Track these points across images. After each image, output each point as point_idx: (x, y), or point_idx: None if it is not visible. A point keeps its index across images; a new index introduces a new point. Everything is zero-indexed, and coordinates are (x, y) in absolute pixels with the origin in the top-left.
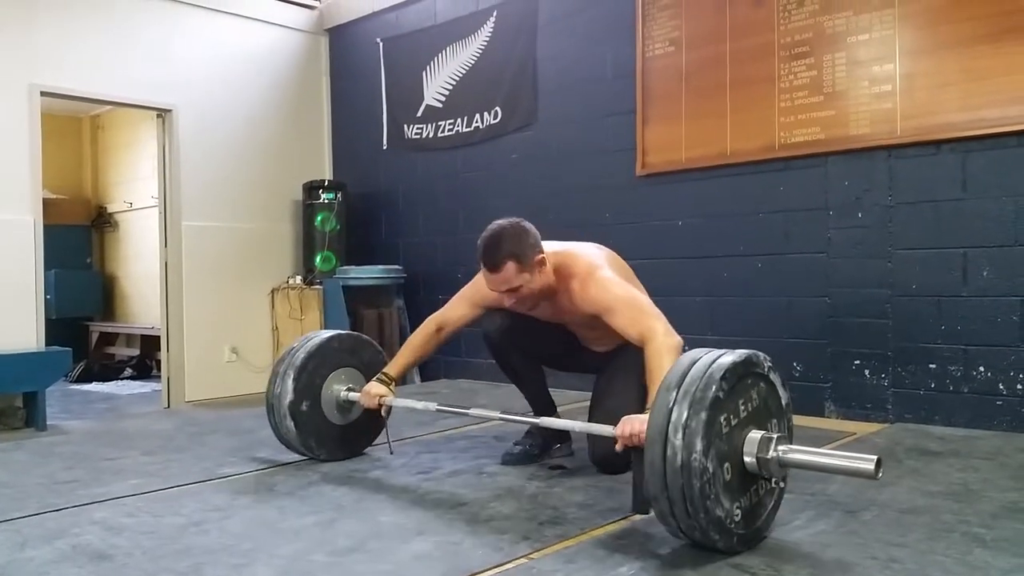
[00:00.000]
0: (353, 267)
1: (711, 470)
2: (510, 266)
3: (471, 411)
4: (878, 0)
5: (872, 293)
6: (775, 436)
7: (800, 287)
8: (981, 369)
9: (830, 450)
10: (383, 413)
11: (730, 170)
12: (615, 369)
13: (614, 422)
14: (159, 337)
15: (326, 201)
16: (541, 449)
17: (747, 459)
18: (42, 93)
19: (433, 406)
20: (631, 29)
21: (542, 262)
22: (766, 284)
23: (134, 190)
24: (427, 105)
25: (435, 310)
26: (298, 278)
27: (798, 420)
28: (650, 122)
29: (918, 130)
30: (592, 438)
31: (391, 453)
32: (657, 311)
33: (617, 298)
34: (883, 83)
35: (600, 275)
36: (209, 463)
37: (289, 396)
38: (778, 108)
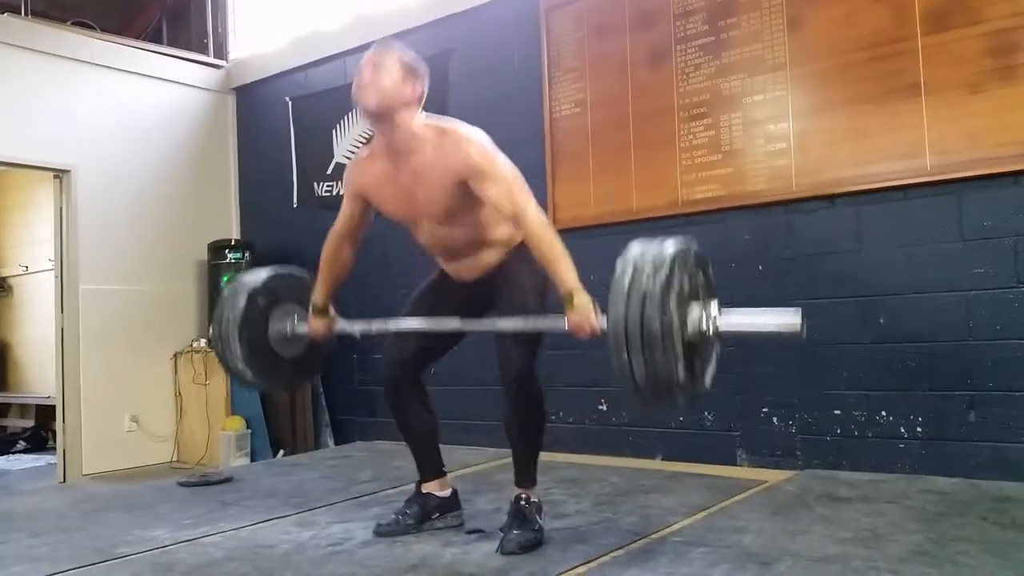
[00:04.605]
0: None
1: (668, 332)
2: (396, 68)
3: (402, 323)
4: (771, 63)
5: (776, 342)
6: (712, 303)
7: None
8: (883, 413)
9: (758, 309)
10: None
11: (637, 226)
12: (505, 296)
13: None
14: (55, 407)
15: (232, 261)
16: (418, 519)
17: (690, 327)
18: None
19: (374, 325)
20: (538, 90)
21: (420, 99)
22: None
23: (30, 253)
24: (337, 163)
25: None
26: (203, 341)
27: (710, 469)
28: (560, 179)
29: (813, 185)
30: (503, 357)
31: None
32: (529, 191)
33: (497, 168)
34: (778, 141)
35: (483, 144)
36: (103, 543)
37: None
38: (680, 166)
